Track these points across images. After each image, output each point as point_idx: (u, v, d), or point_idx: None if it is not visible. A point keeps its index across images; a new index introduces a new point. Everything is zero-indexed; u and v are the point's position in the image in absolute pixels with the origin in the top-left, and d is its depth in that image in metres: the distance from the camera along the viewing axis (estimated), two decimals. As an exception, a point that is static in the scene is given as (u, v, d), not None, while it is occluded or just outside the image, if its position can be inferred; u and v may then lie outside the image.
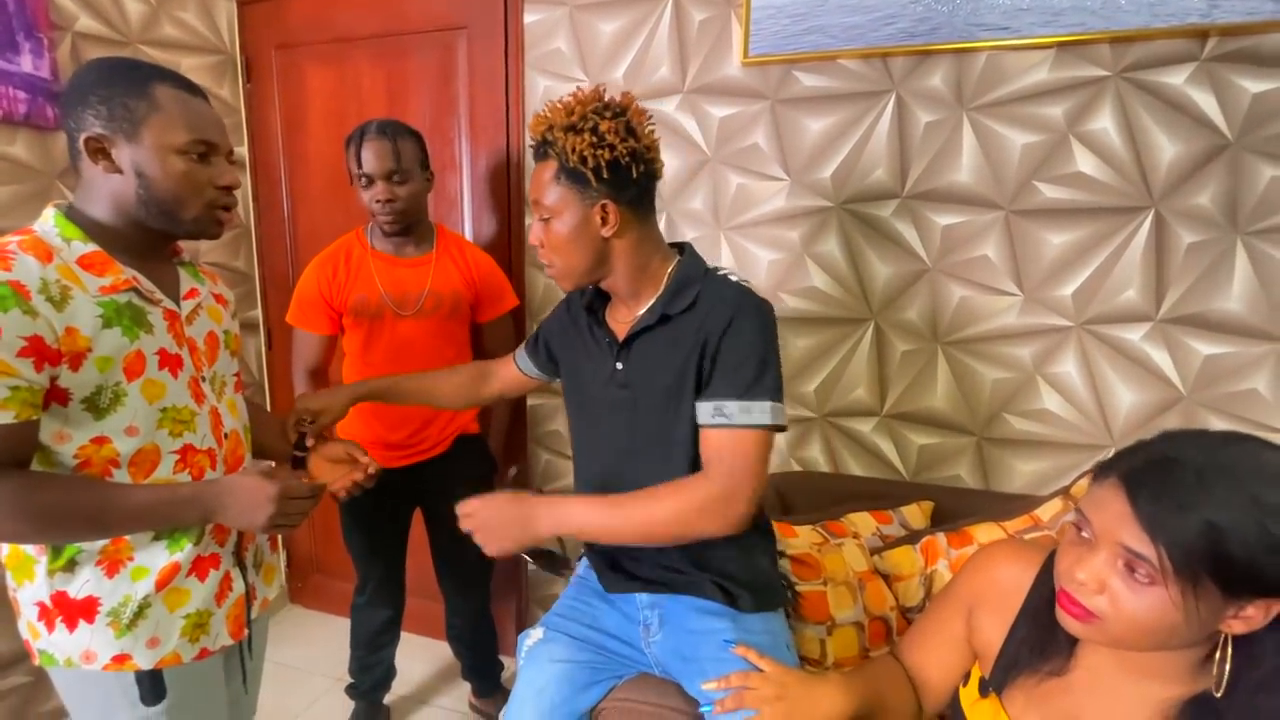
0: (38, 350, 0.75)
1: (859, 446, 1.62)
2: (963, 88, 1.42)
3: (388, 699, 1.80)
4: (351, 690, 1.73)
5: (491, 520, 0.94)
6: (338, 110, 1.91)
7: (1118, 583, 0.64)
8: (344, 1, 1.86)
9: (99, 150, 0.82)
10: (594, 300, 1.05)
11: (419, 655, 1.99)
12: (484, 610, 1.73)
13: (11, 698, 1.56)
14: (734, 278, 0.95)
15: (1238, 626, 0.63)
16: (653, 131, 0.92)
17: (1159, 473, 0.63)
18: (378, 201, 1.36)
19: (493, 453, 1.67)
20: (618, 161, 0.87)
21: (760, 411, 0.86)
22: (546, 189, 0.92)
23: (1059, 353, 1.44)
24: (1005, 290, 1.46)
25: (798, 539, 1.27)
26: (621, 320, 1.00)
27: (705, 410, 0.88)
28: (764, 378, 0.86)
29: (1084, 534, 0.69)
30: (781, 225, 1.58)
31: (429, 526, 1.66)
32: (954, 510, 1.46)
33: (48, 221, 0.83)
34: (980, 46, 1.38)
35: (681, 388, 0.91)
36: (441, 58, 1.79)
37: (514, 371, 1.22)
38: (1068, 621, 0.70)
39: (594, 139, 0.86)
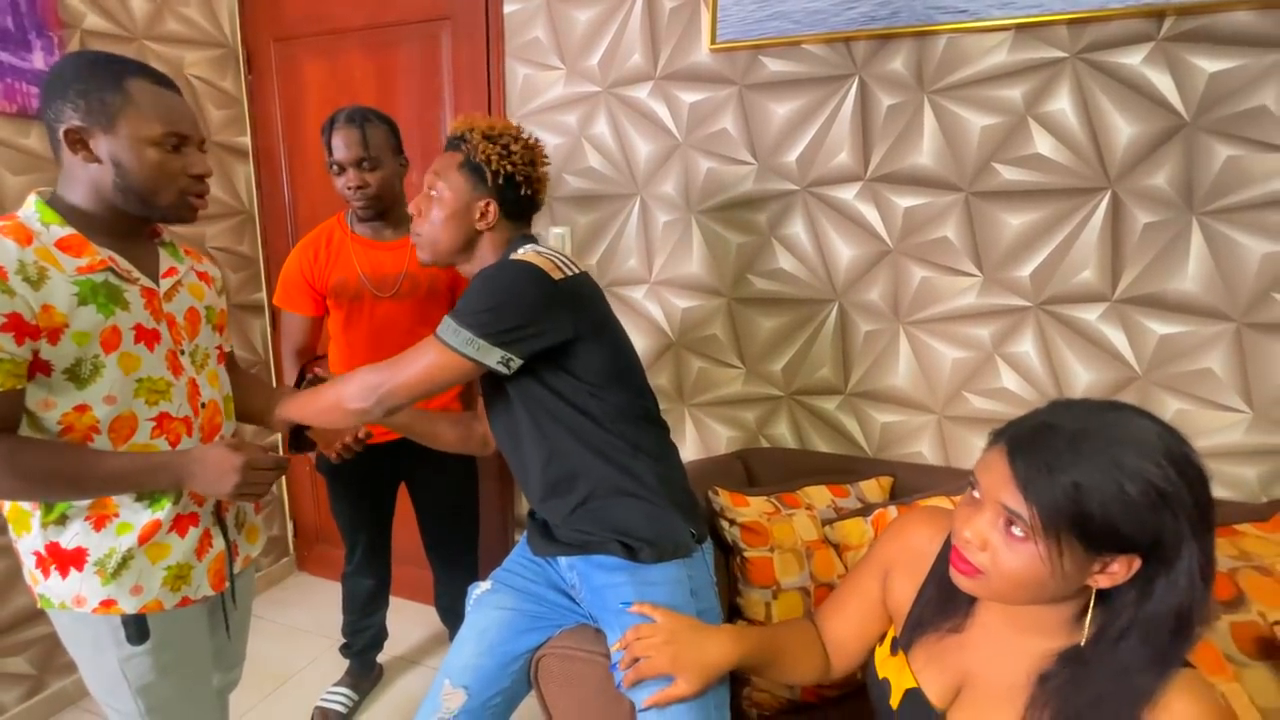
0: (16, 326, 0.82)
1: (824, 424, 1.67)
2: (923, 71, 1.44)
3: (381, 658, 1.91)
4: (345, 650, 1.84)
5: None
6: (332, 100, 1.99)
7: (998, 539, 0.69)
8: (336, -6, 1.93)
9: (78, 141, 0.89)
10: None
11: (412, 619, 2.10)
12: (471, 583, 1.82)
13: (37, 647, 1.70)
14: (521, 253, 1.02)
15: (1103, 581, 0.67)
16: (546, 172, 1.10)
17: (1037, 438, 0.68)
18: (349, 188, 1.43)
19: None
20: (513, 175, 1.04)
21: (446, 328, 0.96)
22: (448, 172, 1.07)
23: (1017, 333, 1.47)
24: (965, 271, 1.48)
25: (748, 508, 1.33)
26: None
27: None
28: (468, 305, 0.96)
29: (975, 495, 0.73)
30: (749, 208, 1.62)
31: (415, 502, 1.75)
32: (914, 485, 1.50)
33: (30, 208, 0.91)
34: (940, 29, 1.40)
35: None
36: (426, 48, 1.86)
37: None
38: (956, 577, 0.75)
39: (502, 151, 1.04)
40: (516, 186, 1.05)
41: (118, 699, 1.02)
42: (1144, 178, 1.33)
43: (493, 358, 0.95)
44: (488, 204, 1.05)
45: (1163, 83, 1.30)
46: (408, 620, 2.08)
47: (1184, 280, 1.34)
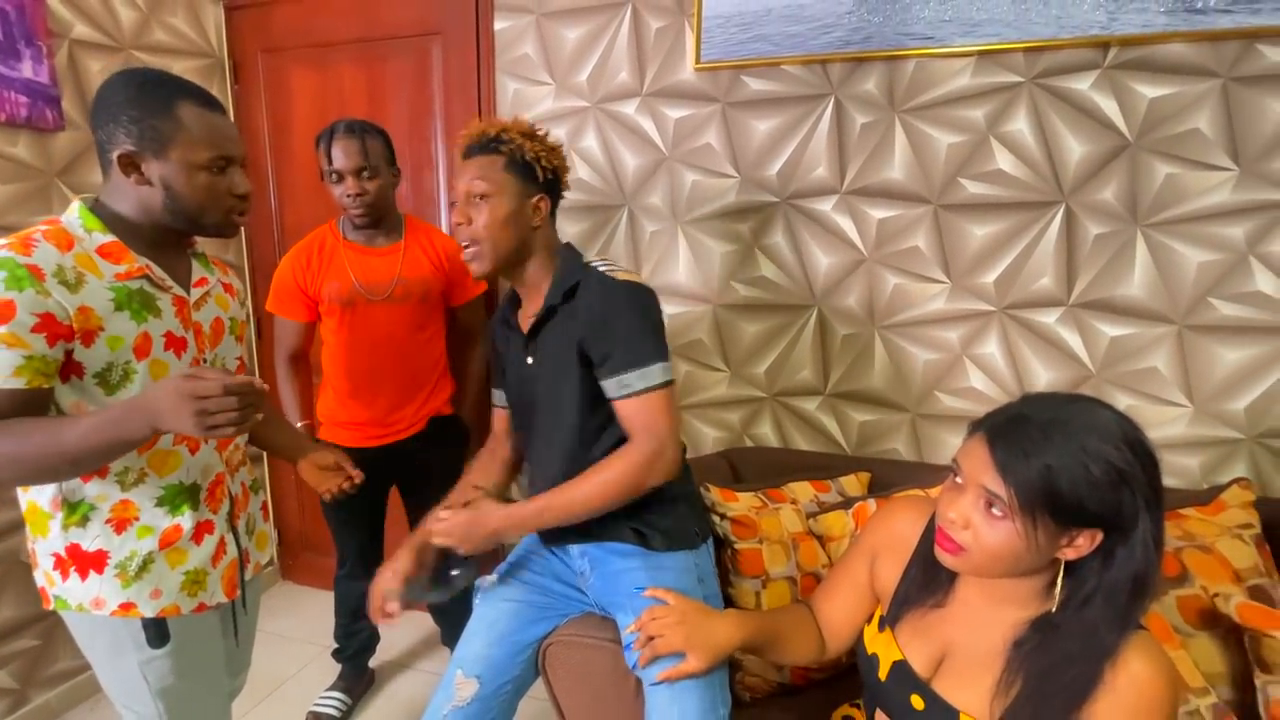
0: (49, 327, 0.85)
1: (805, 423, 1.76)
2: (894, 92, 1.55)
3: (372, 663, 1.93)
4: (337, 655, 1.85)
5: (459, 531, 1.08)
6: (320, 111, 2.02)
7: (979, 519, 0.77)
8: (325, 8, 1.97)
9: (130, 165, 0.92)
10: (508, 308, 1.20)
11: (402, 624, 2.09)
12: None
13: (20, 660, 1.68)
14: (603, 268, 1.07)
15: (1070, 554, 0.76)
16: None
17: (1013, 427, 0.76)
18: (348, 196, 1.47)
19: (467, 427, 1.78)
20: (557, 171, 1.09)
21: (653, 374, 1.02)
22: (490, 176, 1.05)
23: (983, 335, 1.58)
24: (934, 278, 1.59)
25: (738, 503, 1.40)
26: (525, 319, 1.14)
27: (611, 386, 1.03)
28: (648, 345, 1.02)
29: (957, 480, 0.81)
30: (733, 219, 1.71)
31: (406, 504, 1.78)
32: (890, 480, 1.59)
33: (73, 214, 0.94)
34: (909, 54, 1.51)
35: (568, 369, 1.05)
36: (417, 62, 1.91)
37: (505, 415, 1.29)
38: (941, 555, 0.82)
39: (548, 149, 1.08)
40: (558, 182, 1.11)
41: (137, 701, 1.03)
42: (1094, 192, 1.46)
43: (671, 371, 1.04)
44: (541, 200, 1.07)
45: (1109, 106, 1.42)
46: (398, 625, 2.10)
47: (1131, 286, 1.46)
